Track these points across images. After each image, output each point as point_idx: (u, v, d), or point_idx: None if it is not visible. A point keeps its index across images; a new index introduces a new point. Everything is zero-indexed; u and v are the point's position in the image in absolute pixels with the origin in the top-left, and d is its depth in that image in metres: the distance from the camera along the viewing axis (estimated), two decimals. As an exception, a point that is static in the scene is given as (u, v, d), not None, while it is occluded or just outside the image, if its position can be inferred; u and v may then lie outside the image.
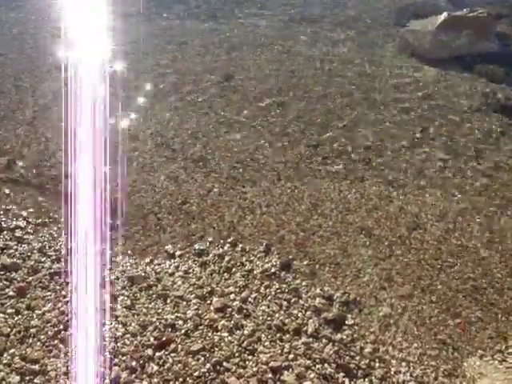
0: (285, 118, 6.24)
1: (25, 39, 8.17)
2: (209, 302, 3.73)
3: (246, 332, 3.49)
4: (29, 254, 4.11)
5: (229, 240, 4.39)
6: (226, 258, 4.18)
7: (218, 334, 3.48)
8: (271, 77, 7.23)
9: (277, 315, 3.64)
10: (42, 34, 8.28)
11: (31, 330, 3.44)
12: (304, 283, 3.97)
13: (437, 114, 6.43)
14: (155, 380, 3.16)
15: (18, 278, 3.86)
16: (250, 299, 3.77)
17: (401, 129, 6.08)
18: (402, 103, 6.65)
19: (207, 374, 3.21)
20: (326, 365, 3.30)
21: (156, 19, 9.25)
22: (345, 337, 3.52)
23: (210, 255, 4.21)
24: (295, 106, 6.50)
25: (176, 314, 3.60)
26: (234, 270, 4.07)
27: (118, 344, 3.36)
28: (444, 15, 8.16)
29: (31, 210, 4.63)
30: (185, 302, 3.72)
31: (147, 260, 4.15)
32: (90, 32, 8.01)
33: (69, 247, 4.15)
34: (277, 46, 8.26)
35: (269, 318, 3.61)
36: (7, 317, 3.53)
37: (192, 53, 7.96)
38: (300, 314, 3.66)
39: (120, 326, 3.50)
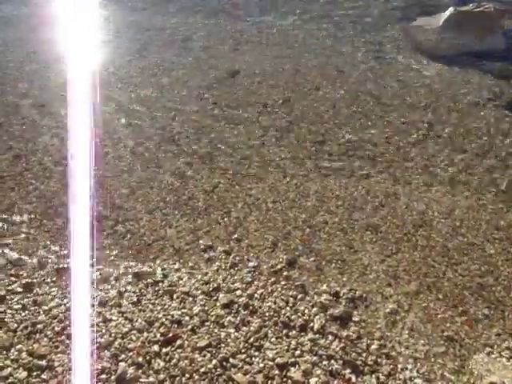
0: (290, 114, 6.22)
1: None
2: (215, 298, 3.73)
3: (252, 328, 3.48)
4: (35, 249, 4.12)
5: (235, 236, 4.39)
6: (232, 254, 4.18)
7: (225, 330, 3.47)
8: (277, 73, 7.21)
9: (283, 311, 3.63)
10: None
11: (38, 326, 3.44)
12: (310, 279, 3.96)
13: (443, 110, 6.40)
14: (162, 376, 3.16)
15: (25, 274, 3.87)
16: (256, 295, 3.76)
17: (407, 125, 6.06)
18: (407, 99, 6.62)
19: (213, 370, 3.20)
20: (332, 361, 3.29)
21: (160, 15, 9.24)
22: (351, 333, 3.51)
23: (217, 251, 4.21)
24: (301, 102, 6.48)
25: (182, 310, 3.60)
26: (240, 265, 4.07)
27: (125, 340, 3.36)
28: (450, 10, 8.12)
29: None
30: (191, 298, 3.71)
31: (153, 256, 4.15)
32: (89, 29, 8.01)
33: (71, 242, 4.15)
34: (283, 41, 8.24)
35: (275, 315, 3.61)
36: (14, 312, 3.54)
37: (197, 49, 7.95)
38: (306, 311, 3.65)
39: (126, 322, 3.50)
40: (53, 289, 3.76)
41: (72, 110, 5.78)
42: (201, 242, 4.32)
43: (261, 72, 7.24)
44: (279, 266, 4.07)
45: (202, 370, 3.20)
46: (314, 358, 3.30)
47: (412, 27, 8.50)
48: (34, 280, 3.83)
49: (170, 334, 3.41)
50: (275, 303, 3.70)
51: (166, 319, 3.53)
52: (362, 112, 6.31)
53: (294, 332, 3.48)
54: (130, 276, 3.90)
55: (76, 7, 8.32)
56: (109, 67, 7.08)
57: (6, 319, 3.47)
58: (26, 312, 3.55)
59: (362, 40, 8.38)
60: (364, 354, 3.38)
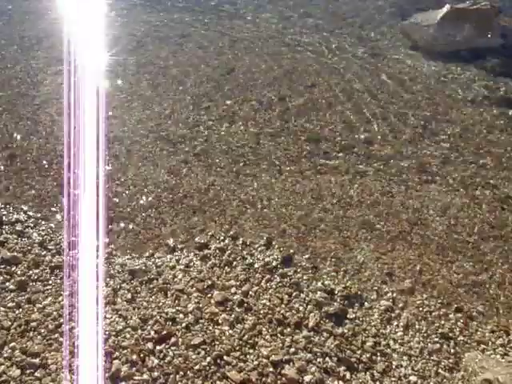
0: (286, 112, 6.21)
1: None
2: (209, 295, 3.73)
3: (246, 326, 3.48)
4: (29, 247, 4.11)
5: (230, 233, 4.38)
6: (227, 252, 4.17)
7: (219, 327, 3.47)
8: (273, 70, 7.19)
9: (278, 309, 3.63)
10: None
11: (32, 324, 3.44)
12: (305, 277, 3.96)
13: (439, 107, 6.40)
14: (155, 373, 3.16)
15: (19, 272, 3.86)
16: (251, 293, 3.76)
17: (403, 123, 6.05)
18: (403, 97, 6.61)
19: (208, 367, 3.20)
20: (327, 358, 3.30)
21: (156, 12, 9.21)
22: (346, 331, 3.52)
23: (211, 248, 4.21)
24: (296, 100, 6.47)
25: (177, 308, 3.60)
26: (234, 263, 4.07)
27: (119, 338, 3.36)
28: (446, 7, 8.11)
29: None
30: (185, 296, 3.71)
31: (148, 253, 4.14)
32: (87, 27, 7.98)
33: (69, 240, 4.15)
34: (279, 38, 8.22)
35: (270, 312, 3.60)
36: (8, 310, 3.53)
37: (193, 46, 7.92)
38: (301, 308, 3.66)
39: (120, 319, 3.49)
40: (47, 287, 3.75)
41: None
42: (196, 239, 4.31)
43: (256, 70, 7.22)
44: (274, 264, 4.07)
45: (196, 367, 3.20)
46: (309, 355, 3.31)
47: (408, 24, 8.48)
48: (28, 278, 3.82)
49: (164, 332, 3.41)
50: (270, 301, 3.70)
51: (161, 317, 3.53)
52: (358, 109, 6.30)
53: (288, 329, 3.49)
54: (124, 273, 3.90)
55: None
56: (103, 65, 7.04)
57: (-1, 317, 3.47)
58: (20, 310, 3.55)
59: (358, 37, 8.36)
60: (359, 352, 3.38)
